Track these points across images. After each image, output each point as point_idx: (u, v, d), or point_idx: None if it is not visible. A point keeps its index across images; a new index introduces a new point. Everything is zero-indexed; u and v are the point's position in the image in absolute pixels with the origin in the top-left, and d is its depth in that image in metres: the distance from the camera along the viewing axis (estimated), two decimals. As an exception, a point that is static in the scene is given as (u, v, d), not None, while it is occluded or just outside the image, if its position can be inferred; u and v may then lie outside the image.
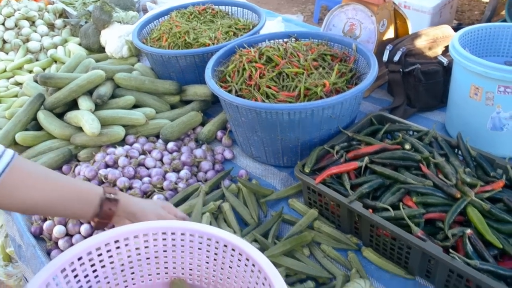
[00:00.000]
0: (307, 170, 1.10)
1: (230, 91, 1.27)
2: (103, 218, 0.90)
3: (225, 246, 0.80)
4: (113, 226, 0.93)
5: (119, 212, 0.91)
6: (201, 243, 0.83)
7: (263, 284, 0.72)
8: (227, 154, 1.37)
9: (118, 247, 0.82)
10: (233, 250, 0.79)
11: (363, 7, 1.58)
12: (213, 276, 0.85)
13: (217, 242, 0.81)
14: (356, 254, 1.03)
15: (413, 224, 0.93)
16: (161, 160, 1.34)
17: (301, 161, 1.13)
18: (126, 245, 0.82)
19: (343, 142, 1.19)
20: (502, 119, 1.22)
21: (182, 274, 0.87)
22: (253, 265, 0.75)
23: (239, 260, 0.79)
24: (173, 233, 0.83)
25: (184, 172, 1.26)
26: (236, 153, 1.40)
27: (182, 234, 0.82)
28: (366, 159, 1.08)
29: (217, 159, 1.36)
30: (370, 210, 0.97)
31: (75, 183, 0.95)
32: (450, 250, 0.87)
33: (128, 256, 0.83)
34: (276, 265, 0.95)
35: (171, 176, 1.25)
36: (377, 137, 1.19)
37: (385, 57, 1.54)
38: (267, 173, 1.31)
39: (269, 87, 1.24)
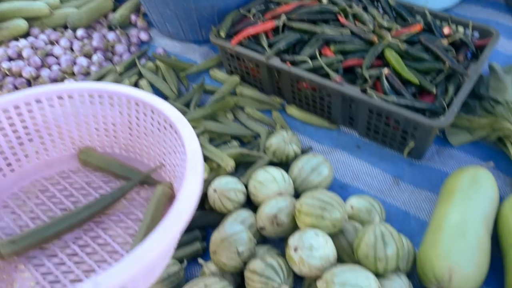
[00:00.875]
0: (222, 34, 1.04)
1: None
2: None
3: (129, 102, 0.74)
4: None
5: None
6: (102, 103, 0.76)
7: (175, 138, 0.68)
8: (143, 36, 1.28)
9: (9, 117, 0.74)
10: (137, 105, 0.73)
11: None
12: (122, 138, 0.80)
13: (119, 99, 0.74)
14: (281, 113, 1.01)
15: (332, 71, 0.91)
16: (71, 49, 1.24)
17: (216, 26, 1.07)
18: (19, 114, 0.74)
19: (259, 4, 1.13)
20: (420, -32, 1.18)
21: (90, 142, 0.81)
22: (159, 116, 0.71)
23: (144, 114, 0.74)
24: (70, 97, 0.75)
25: (96, 57, 1.17)
26: (153, 35, 1.31)
27: (81, 96, 0.75)
28: (283, 16, 1.03)
29: (132, 42, 1.26)
30: (288, 63, 0.94)
31: None
32: (368, 89, 0.86)
33: (24, 127, 0.75)
34: (197, 128, 0.93)
35: (82, 61, 1.15)
36: None
37: None
38: (187, 50, 1.24)
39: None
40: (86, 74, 1.14)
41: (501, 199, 0.78)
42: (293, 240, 0.65)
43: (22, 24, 1.28)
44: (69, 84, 0.75)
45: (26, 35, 1.30)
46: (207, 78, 1.12)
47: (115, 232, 0.70)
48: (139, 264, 0.46)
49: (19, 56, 1.20)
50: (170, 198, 0.70)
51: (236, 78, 1.06)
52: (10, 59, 1.20)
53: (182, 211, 0.52)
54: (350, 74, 0.95)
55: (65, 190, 0.76)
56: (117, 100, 0.75)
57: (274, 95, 1.05)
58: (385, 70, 0.88)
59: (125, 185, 0.74)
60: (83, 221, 0.70)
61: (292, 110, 1.00)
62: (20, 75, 1.14)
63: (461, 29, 1.03)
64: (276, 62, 0.95)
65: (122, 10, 1.35)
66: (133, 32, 1.29)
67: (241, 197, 0.78)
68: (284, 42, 0.97)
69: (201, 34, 1.22)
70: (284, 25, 1.03)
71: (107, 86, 0.75)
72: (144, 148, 0.79)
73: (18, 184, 0.77)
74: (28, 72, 1.12)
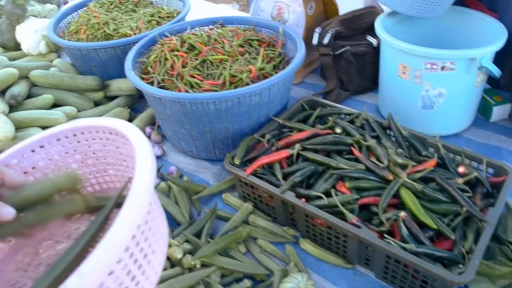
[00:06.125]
0: (237, 162, 1.04)
1: (152, 83, 1.19)
2: None
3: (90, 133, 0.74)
4: None
5: None
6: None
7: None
8: (157, 151, 1.29)
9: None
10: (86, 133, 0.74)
11: (290, -10, 1.53)
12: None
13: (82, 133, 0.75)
14: (294, 246, 0.99)
15: (348, 210, 0.89)
16: (84, 162, 1.24)
17: (231, 153, 1.08)
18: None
19: (274, 130, 1.14)
20: (432, 97, 1.21)
21: None
22: (103, 131, 0.72)
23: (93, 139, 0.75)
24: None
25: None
26: (166, 149, 1.32)
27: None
28: (298, 146, 1.04)
29: (145, 156, 1.27)
30: (304, 200, 0.93)
31: None
32: (385, 235, 0.84)
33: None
34: (210, 265, 0.90)
35: (95, 178, 1.15)
36: (308, 123, 1.15)
37: (314, 40, 1.50)
38: (199, 168, 1.24)
39: (193, 77, 1.17)
40: (98, 193, 1.13)
41: None
42: None
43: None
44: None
45: (40, 144, 1.31)
46: (219, 202, 1.12)
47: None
48: (116, 244, 0.48)
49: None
50: None
51: (249, 206, 1.05)
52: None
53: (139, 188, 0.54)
54: (366, 211, 0.93)
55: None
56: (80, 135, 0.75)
57: (288, 226, 1.03)
58: (402, 214, 0.87)
59: (103, 210, 0.70)
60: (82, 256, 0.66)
61: (306, 245, 0.98)
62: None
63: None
64: (290, 197, 0.94)
65: (138, 122, 1.37)
66: (146, 146, 1.30)
67: None
68: (299, 175, 0.97)
69: (214, 153, 1.23)
70: (298, 153, 1.04)
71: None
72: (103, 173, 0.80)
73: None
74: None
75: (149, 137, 1.37)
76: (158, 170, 1.21)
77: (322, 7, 1.65)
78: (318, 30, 1.51)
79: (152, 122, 1.41)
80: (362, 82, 1.50)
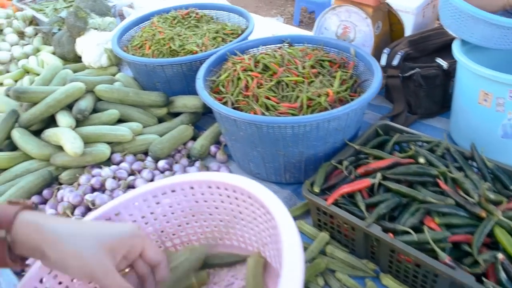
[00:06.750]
0: (316, 190, 1.01)
1: (225, 103, 1.17)
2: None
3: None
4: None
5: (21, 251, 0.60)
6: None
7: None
8: (223, 172, 1.27)
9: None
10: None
11: (357, 9, 1.50)
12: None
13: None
14: (375, 281, 0.94)
15: (439, 248, 0.85)
16: (152, 180, 1.23)
17: (309, 179, 1.04)
18: None
19: (350, 156, 1.10)
20: (514, 126, 1.15)
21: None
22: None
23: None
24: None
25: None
26: (232, 169, 1.30)
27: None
28: (379, 175, 1.00)
29: (212, 177, 1.25)
30: (391, 234, 0.89)
31: None
32: (484, 279, 0.79)
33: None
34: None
35: (165, 198, 1.14)
36: (385, 150, 1.11)
37: (383, 61, 1.46)
38: (268, 191, 1.21)
39: (268, 98, 1.15)
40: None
41: None
42: None
43: (105, 150, 1.29)
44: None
45: (107, 160, 1.31)
46: (292, 228, 1.08)
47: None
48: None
49: (101, 186, 1.20)
50: (264, 265, 0.76)
51: (326, 236, 1.01)
52: (93, 189, 1.20)
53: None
54: (456, 249, 0.89)
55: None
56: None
57: (367, 259, 0.99)
58: (500, 256, 0.82)
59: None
60: None
61: (388, 281, 0.93)
62: (103, 210, 1.12)
63: None
64: (376, 230, 0.90)
65: (203, 141, 1.35)
66: (213, 166, 1.28)
67: None
68: (384, 207, 0.93)
69: (284, 177, 1.20)
70: (379, 183, 1.00)
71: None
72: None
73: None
74: (111, 208, 1.11)
75: (214, 156, 1.35)
76: (227, 192, 1.18)
77: (388, 27, 1.61)
78: (386, 51, 1.47)
79: (216, 141, 1.39)
80: (430, 105, 1.45)
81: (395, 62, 1.43)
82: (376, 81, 1.13)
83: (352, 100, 1.16)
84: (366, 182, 1.00)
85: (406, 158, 1.05)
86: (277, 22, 2.46)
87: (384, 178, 1.01)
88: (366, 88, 1.20)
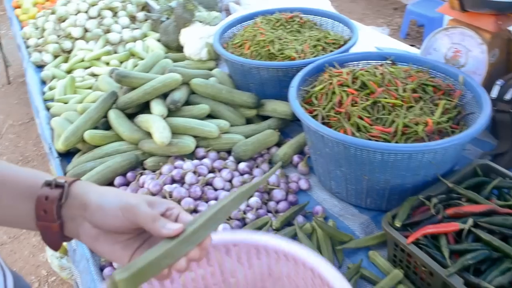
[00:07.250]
0: (397, 224, 0.94)
1: (315, 116, 1.13)
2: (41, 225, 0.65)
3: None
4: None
5: (68, 213, 0.64)
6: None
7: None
8: (303, 184, 1.23)
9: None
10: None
11: (473, 33, 1.38)
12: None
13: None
14: (447, 334, 0.86)
15: (529, 317, 0.75)
16: (230, 181, 1.23)
17: (391, 210, 0.98)
18: None
19: (441, 193, 1.02)
20: None
21: None
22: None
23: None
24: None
25: (254, 200, 1.14)
26: (312, 184, 1.26)
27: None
28: (470, 221, 0.91)
29: (291, 188, 1.22)
30: (475, 291, 0.81)
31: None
32: None
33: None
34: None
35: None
36: (482, 194, 1.01)
37: (494, 94, 1.34)
38: (345, 213, 1.16)
39: (361, 118, 1.09)
40: (241, 219, 1.11)
41: None
42: None
43: (191, 144, 1.31)
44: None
45: (190, 153, 1.33)
46: (365, 259, 1.02)
47: None
48: None
49: (181, 179, 1.22)
50: None
51: (399, 274, 0.94)
52: (173, 180, 1.22)
53: None
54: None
55: None
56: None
57: (443, 309, 0.91)
58: None
59: None
60: None
61: (464, 339, 0.85)
62: (179, 203, 1.14)
63: None
64: (457, 282, 0.82)
65: (287, 149, 1.33)
66: (293, 177, 1.25)
67: None
68: (471, 258, 0.85)
69: (365, 201, 1.14)
70: (469, 230, 0.91)
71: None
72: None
73: None
74: (187, 203, 1.12)
75: (296, 166, 1.32)
76: (304, 206, 1.15)
77: (504, 56, 1.47)
78: (499, 82, 1.34)
79: (300, 151, 1.36)
80: (542, 149, 1.30)
81: (508, 96, 1.30)
82: (484, 116, 1.04)
83: (453, 132, 1.08)
84: (455, 226, 0.91)
85: (505, 207, 0.95)
86: (381, 34, 2.37)
87: (476, 225, 0.92)
88: (470, 122, 1.10)
